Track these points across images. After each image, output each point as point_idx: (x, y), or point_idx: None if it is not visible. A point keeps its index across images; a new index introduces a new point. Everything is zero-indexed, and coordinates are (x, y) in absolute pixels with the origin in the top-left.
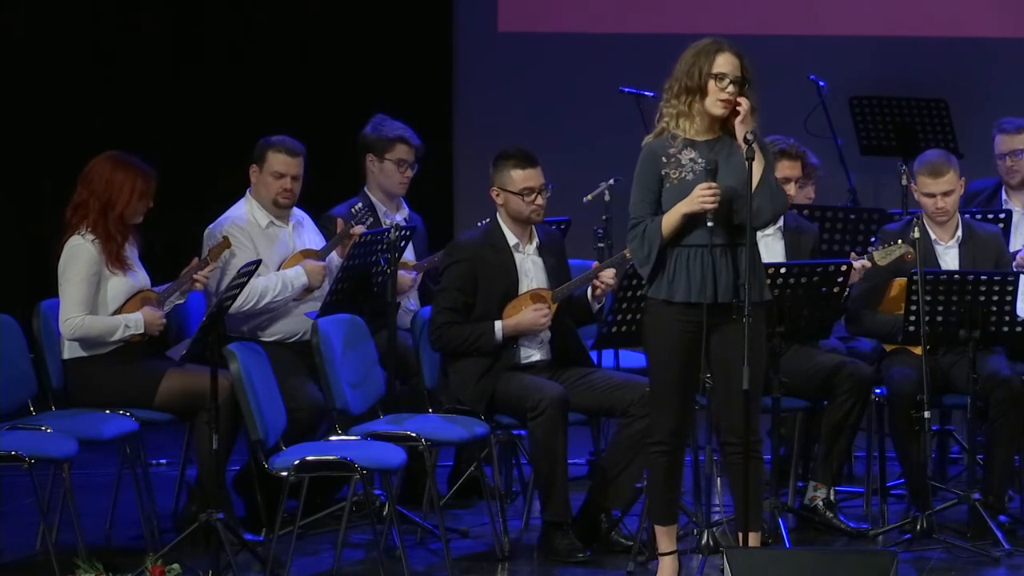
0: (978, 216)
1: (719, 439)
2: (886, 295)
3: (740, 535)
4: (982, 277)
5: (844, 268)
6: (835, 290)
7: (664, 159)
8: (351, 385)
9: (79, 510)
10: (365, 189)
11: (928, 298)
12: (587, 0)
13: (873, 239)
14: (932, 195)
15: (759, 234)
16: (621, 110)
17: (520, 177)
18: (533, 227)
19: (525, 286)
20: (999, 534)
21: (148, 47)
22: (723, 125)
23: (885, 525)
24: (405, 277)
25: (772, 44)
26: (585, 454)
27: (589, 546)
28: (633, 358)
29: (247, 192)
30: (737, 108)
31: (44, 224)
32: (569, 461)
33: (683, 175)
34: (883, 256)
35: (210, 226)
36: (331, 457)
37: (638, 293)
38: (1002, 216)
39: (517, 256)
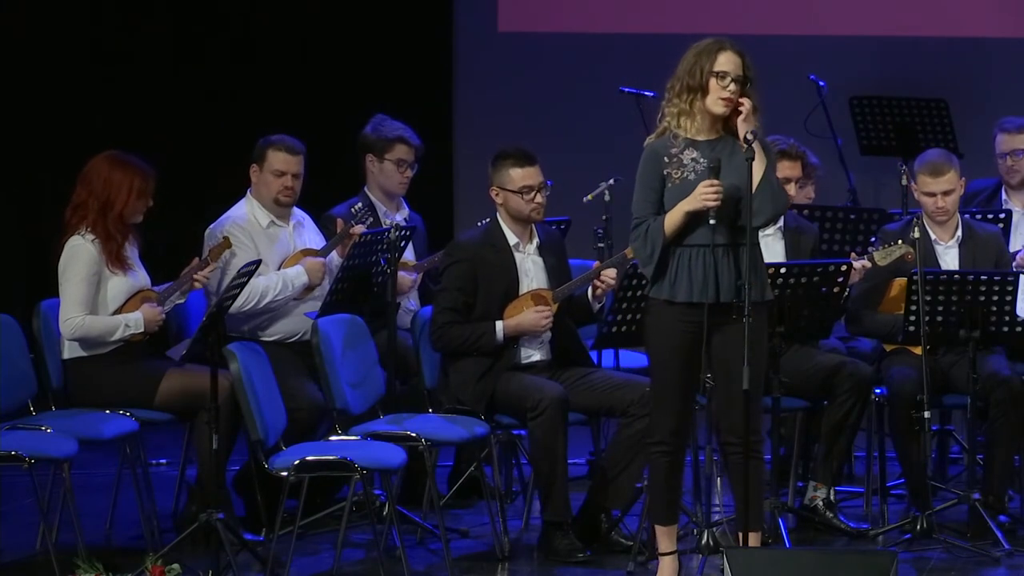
0: (978, 216)
1: (719, 439)
2: (886, 295)
3: (740, 535)
4: (982, 277)
5: (844, 268)
6: (835, 290)
7: (666, 159)
8: (351, 385)
9: (79, 510)
10: (365, 189)
11: (928, 298)
12: (587, 0)
13: (873, 239)
14: (932, 194)
15: (759, 234)
16: (621, 110)
17: (519, 176)
18: (533, 227)
19: (525, 286)
20: (999, 534)
21: (148, 47)
22: (725, 125)
23: (885, 525)
24: (405, 277)
25: (772, 44)
26: (585, 454)
27: (589, 546)
28: (633, 358)
29: (247, 192)
30: (739, 108)
31: (44, 224)
32: (569, 461)
33: (685, 175)
34: (883, 256)
35: (211, 226)
36: (331, 457)
37: (638, 293)
38: (1002, 216)
39: (517, 256)
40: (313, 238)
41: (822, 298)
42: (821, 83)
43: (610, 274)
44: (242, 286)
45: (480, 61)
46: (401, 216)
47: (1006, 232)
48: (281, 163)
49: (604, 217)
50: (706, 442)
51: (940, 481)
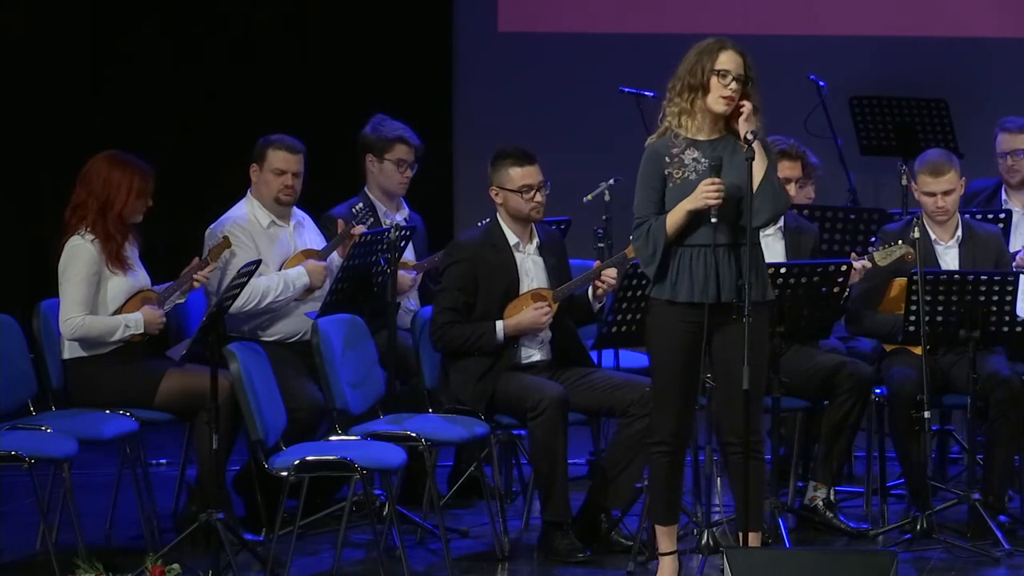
0: (978, 216)
1: (720, 439)
2: (886, 295)
3: (740, 535)
4: (982, 277)
5: (844, 268)
6: (835, 290)
7: (667, 159)
8: (351, 385)
9: (79, 510)
10: (365, 189)
11: (928, 298)
12: (587, 0)
13: (873, 239)
14: (932, 194)
15: (760, 234)
16: (621, 110)
17: (518, 175)
18: (533, 227)
19: (526, 286)
20: (999, 534)
21: (148, 47)
22: (727, 125)
23: (885, 525)
24: (405, 277)
25: (772, 44)
26: (585, 454)
27: (589, 546)
28: (633, 358)
29: (248, 192)
30: (740, 109)
31: (44, 224)
32: (569, 461)
33: (686, 175)
34: (883, 257)
35: (211, 226)
36: (331, 457)
37: (638, 293)
38: (1002, 216)
39: (517, 256)
40: (313, 238)
41: (822, 298)
42: (821, 83)
43: (611, 274)
44: (242, 286)
45: (480, 61)
46: (401, 216)
47: (1006, 232)
48: (281, 162)
49: (604, 217)
50: (706, 442)
51: (940, 481)
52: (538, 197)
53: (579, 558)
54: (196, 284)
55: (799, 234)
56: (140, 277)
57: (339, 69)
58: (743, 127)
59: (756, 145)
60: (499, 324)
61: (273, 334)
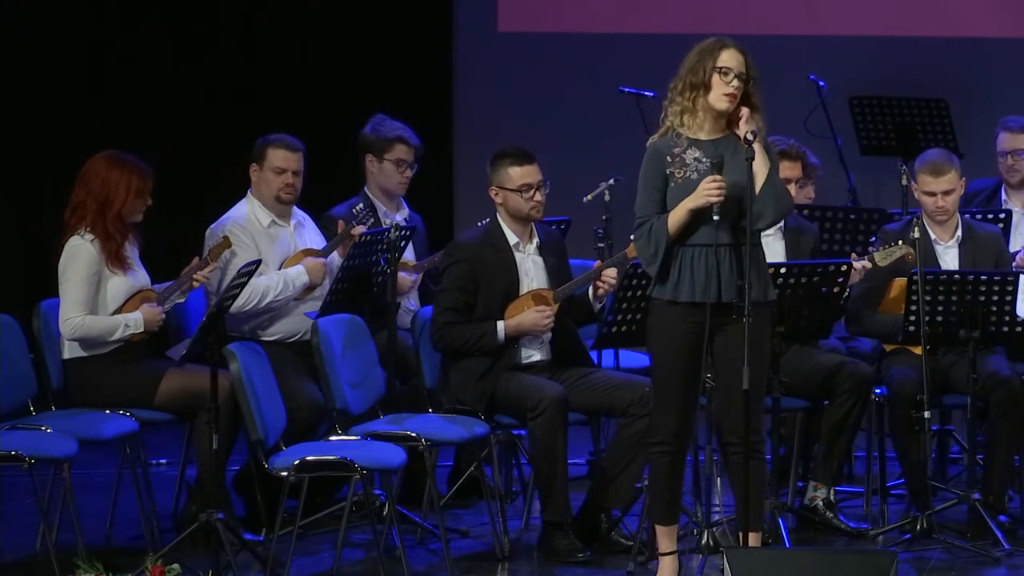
0: (978, 216)
1: (720, 439)
2: (886, 295)
3: (740, 535)
4: (982, 277)
5: (844, 268)
6: (835, 290)
7: (669, 158)
8: (351, 385)
9: (79, 510)
10: (365, 189)
11: (928, 298)
12: (587, 0)
13: (873, 239)
14: (933, 194)
15: (760, 234)
16: (621, 110)
17: (518, 174)
18: (533, 227)
19: (526, 286)
20: (999, 534)
21: (148, 47)
22: (729, 124)
23: (885, 525)
24: (405, 277)
25: (772, 44)
26: (585, 454)
27: (589, 546)
28: (633, 358)
29: (248, 192)
30: (737, 115)
31: (44, 224)
32: (569, 461)
33: (688, 174)
34: (884, 257)
35: (211, 226)
36: (331, 457)
37: (639, 293)
38: (1002, 216)
39: (517, 256)
40: (314, 238)
41: (822, 298)
42: (821, 83)
43: (611, 274)
44: (242, 286)
45: (480, 61)
46: (401, 216)
47: (1006, 232)
48: (281, 160)
49: (604, 217)
50: (706, 442)
51: (940, 481)
52: (538, 197)
53: (579, 558)
54: (196, 284)
55: (799, 234)
56: (140, 277)
57: (339, 69)
58: (743, 128)
59: (756, 145)
60: (500, 324)
61: (273, 334)
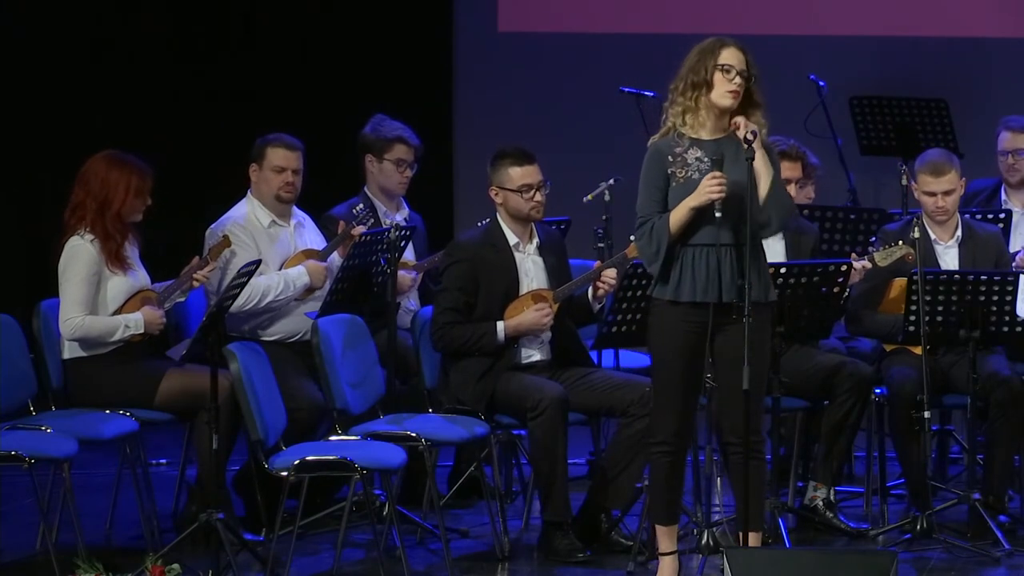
0: (978, 216)
1: (720, 439)
2: (886, 295)
3: (740, 535)
4: (982, 277)
5: (844, 268)
6: (835, 290)
7: (670, 158)
8: (351, 385)
9: (79, 510)
10: (365, 189)
11: (928, 298)
12: (587, 0)
13: (873, 239)
14: (933, 194)
15: None
16: (621, 110)
17: (518, 174)
18: (533, 227)
19: (526, 286)
20: (999, 534)
21: (148, 47)
22: (730, 124)
23: (885, 525)
24: (405, 277)
25: (772, 44)
26: (585, 454)
27: (589, 546)
28: (633, 358)
29: (248, 192)
30: (734, 122)
31: (44, 224)
32: (569, 461)
33: (689, 174)
34: (884, 257)
35: (212, 226)
36: (331, 457)
37: (638, 293)
38: (1002, 216)
39: (517, 256)
40: (314, 238)
41: (822, 298)
42: (821, 83)
43: (611, 275)
44: (242, 286)
45: (480, 61)
46: (401, 216)
47: (1006, 232)
48: (281, 159)
49: (604, 217)
50: (706, 442)
51: (940, 481)
52: (538, 197)
53: (579, 558)
54: (196, 283)
55: (799, 234)
56: (140, 277)
57: (339, 69)
58: (741, 131)
59: (757, 146)
60: (500, 325)
61: (273, 334)
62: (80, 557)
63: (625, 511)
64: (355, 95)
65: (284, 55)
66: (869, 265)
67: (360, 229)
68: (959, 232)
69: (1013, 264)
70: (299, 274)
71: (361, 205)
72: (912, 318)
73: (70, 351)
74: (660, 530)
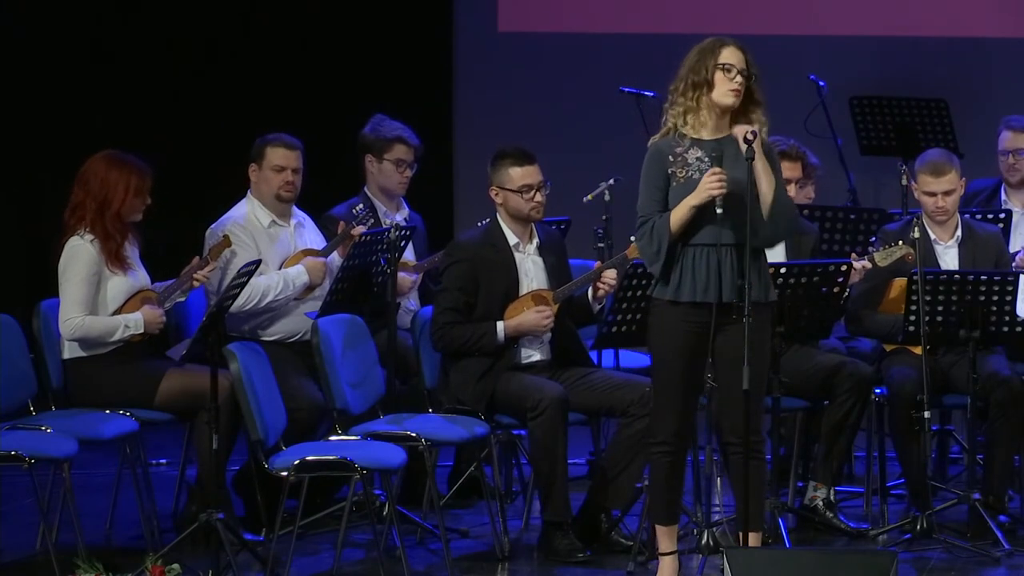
0: (978, 216)
1: (720, 439)
2: (886, 295)
3: (740, 535)
4: (982, 277)
5: (844, 268)
6: (835, 290)
7: (671, 158)
8: (351, 385)
9: (79, 510)
10: (365, 189)
11: (928, 298)
12: (587, 0)
13: (873, 239)
14: (933, 194)
15: None
16: (621, 110)
17: (518, 175)
18: (533, 227)
19: (526, 286)
20: (999, 534)
21: (148, 47)
22: (730, 124)
23: (885, 525)
24: (405, 277)
25: (772, 44)
26: (585, 454)
27: (589, 546)
28: (633, 358)
29: (248, 192)
30: (733, 130)
31: (44, 224)
32: (569, 461)
33: (690, 174)
34: (884, 257)
35: (212, 226)
36: (331, 457)
37: (638, 293)
38: (1002, 216)
39: (517, 256)
40: (314, 238)
41: (822, 298)
42: (821, 83)
43: (611, 275)
44: (242, 286)
45: (480, 61)
46: (401, 216)
47: (1006, 232)
48: (280, 158)
49: (604, 217)
50: (706, 442)
51: (940, 481)
52: (538, 197)
53: (579, 558)
54: (196, 283)
55: (799, 234)
56: (140, 277)
57: (339, 69)
58: (741, 131)
59: (757, 146)
60: (500, 325)
61: (273, 334)
62: (80, 557)
63: (625, 511)
64: (355, 95)
65: (284, 55)
66: (869, 265)
67: (360, 229)
68: (959, 232)
69: (1013, 264)
70: (298, 273)
71: (361, 205)
72: (912, 318)
73: (70, 351)
74: (660, 530)
